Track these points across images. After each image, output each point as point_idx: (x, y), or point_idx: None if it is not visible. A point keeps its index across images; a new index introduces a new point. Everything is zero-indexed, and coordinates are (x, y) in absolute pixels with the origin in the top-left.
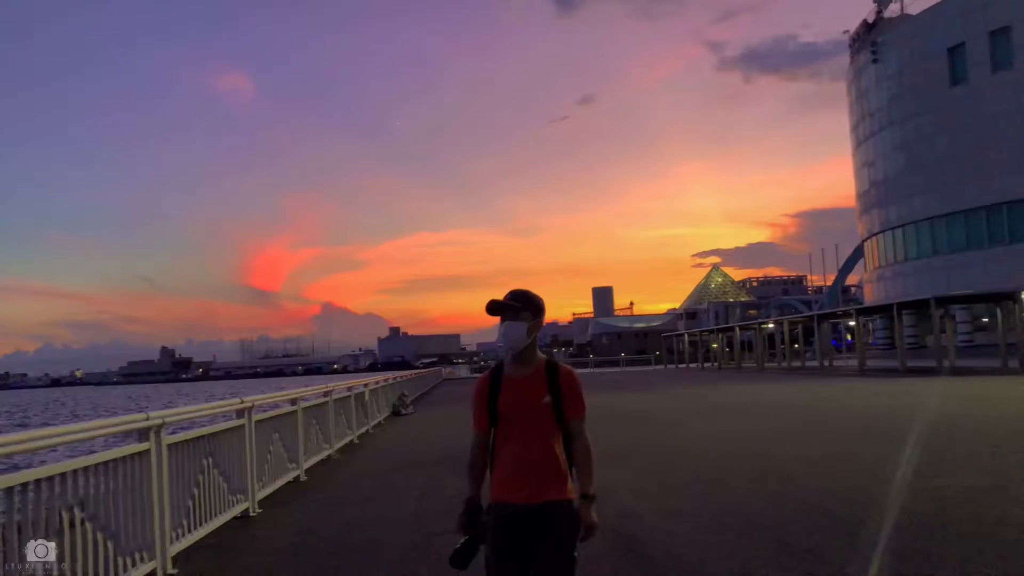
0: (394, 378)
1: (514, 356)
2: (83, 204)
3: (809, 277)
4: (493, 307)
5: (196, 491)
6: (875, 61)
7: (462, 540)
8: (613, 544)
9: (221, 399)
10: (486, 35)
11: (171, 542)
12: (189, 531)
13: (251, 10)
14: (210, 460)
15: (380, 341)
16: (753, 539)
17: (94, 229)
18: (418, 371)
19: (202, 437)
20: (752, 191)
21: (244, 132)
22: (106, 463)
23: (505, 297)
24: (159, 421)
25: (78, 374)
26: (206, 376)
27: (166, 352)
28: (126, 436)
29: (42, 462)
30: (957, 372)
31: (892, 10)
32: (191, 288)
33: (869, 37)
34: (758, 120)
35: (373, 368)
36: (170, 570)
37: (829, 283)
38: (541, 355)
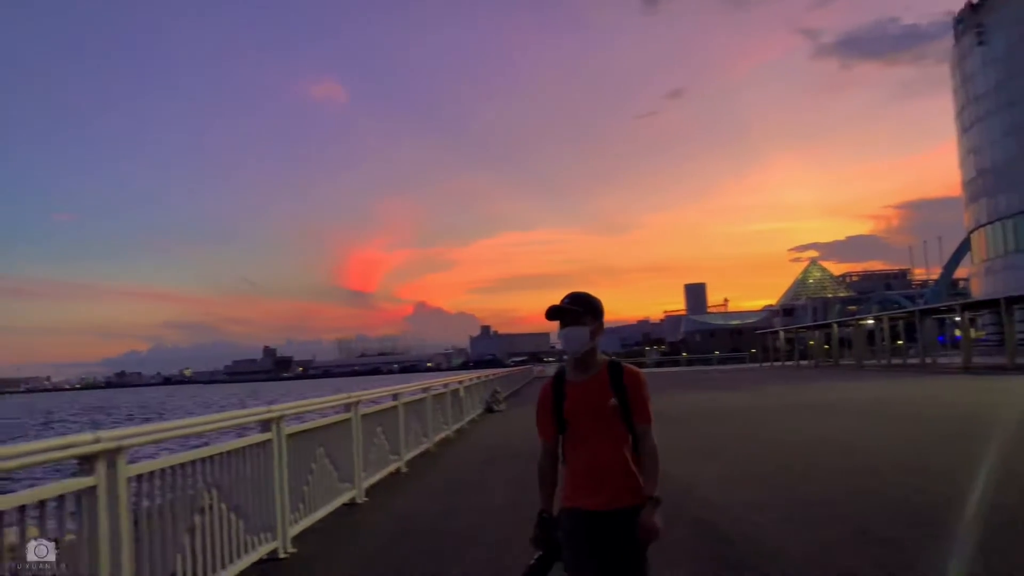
0: (486, 376)
1: (577, 361)
2: (188, 212)
3: (914, 270)
4: (553, 312)
5: (310, 478)
6: (981, 43)
7: (536, 556)
8: (696, 532)
9: (324, 396)
10: (571, 32)
11: (290, 524)
12: (305, 515)
13: (342, 16)
14: (322, 450)
15: (472, 339)
16: (832, 529)
17: (199, 235)
18: (509, 369)
19: (315, 429)
20: (851, 182)
21: (338, 137)
22: (237, 450)
23: (563, 301)
24: (279, 413)
25: (187, 372)
26: (306, 375)
27: (268, 351)
28: (247, 427)
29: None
30: None
31: None
32: (291, 290)
33: (974, 19)
34: (857, 108)
35: (465, 366)
36: (290, 549)
37: (935, 276)
38: (603, 357)
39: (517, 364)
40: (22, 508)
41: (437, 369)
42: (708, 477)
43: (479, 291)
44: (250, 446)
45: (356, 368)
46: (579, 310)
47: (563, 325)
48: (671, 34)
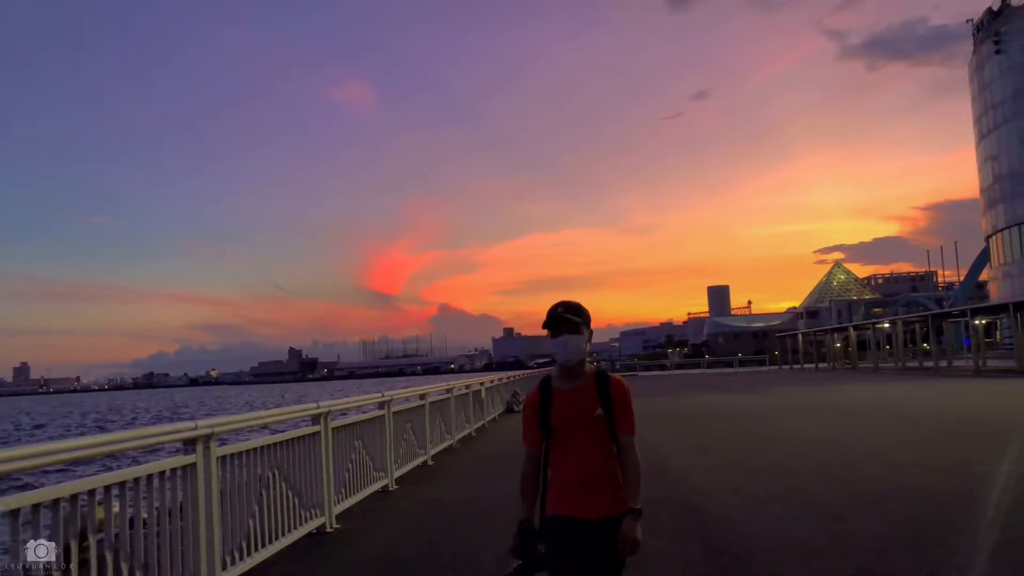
0: (508, 377)
1: (567, 369)
2: (217, 215)
3: (940, 272)
4: (554, 321)
5: (350, 466)
6: (998, 52)
7: (515, 564)
8: (683, 513)
9: (354, 396)
10: (597, 35)
11: (335, 504)
12: (346, 497)
13: (368, 18)
14: (360, 443)
15: (495, 341)
16: (795, 509)
17: (227, 238)
18: (531, 371)
19: (355, 424)
20: (879, 184)
21: (365, 140)
22: (293, 440)
23: (558, 309)
24: (327, 409)
25: (213, 374)
26: (331, 376)
27: (294, 353)
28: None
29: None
30: None
31: None
32: (316, 292)
33: (992, 27)
34: (884, 109)
35: (488, 368)
36: (335, 524)
37: (961, 279)
38: (590, 366)
39: (540, 365)
40: (149, 476)
41: (460, 371)
42: (702, 468)
43: (503, 293)
44: (303, 437)
45: (380, 370)
46: (578, 320)
47: (558, 334)
48: (697, 35)
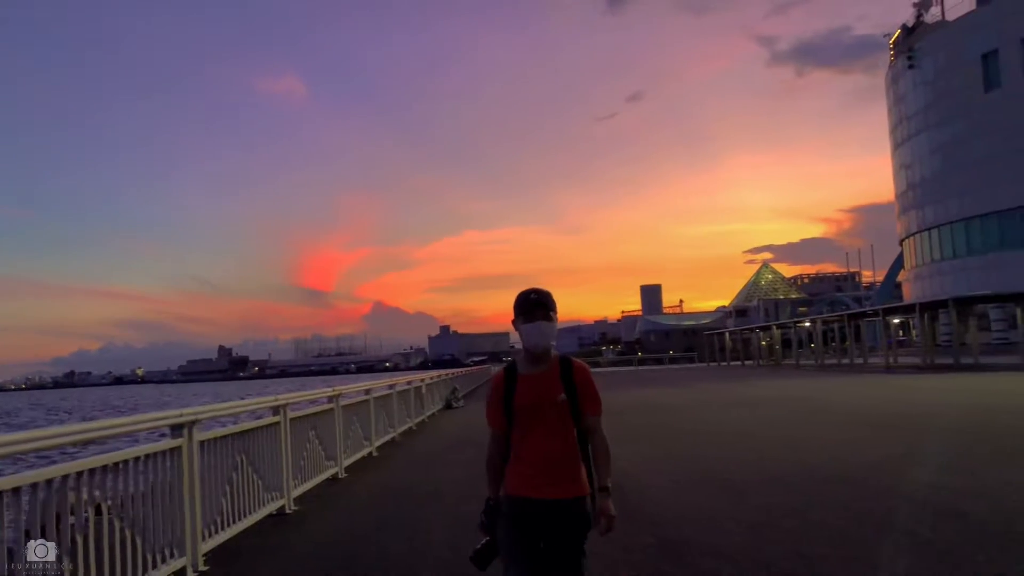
0: (446, 375)
1: (534, 355)
2: (144, 207)
3: (863, 273)
4: (530, 307)
5: (305, 454)
6: (911, 67)
7: (483, 540)
8: None
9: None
10: (534, 34)
11: (293, 488)
12: (303, 482)
13: (301, 12)
14: (314, 433)
15: (430, 339)
16: (705, 487)
17: (155, 232)
18: (469, 368)
19: (309, 416)
20: (807, 186)
21: (298, 134)
22: (255, 429)
23: (531, 296)
24: (284, 402)
25: (139, 372)
26: (262, 375)
27: (223, 351)
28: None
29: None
30: (978, 368)
31: (933, 14)
32: (247, 288)
33: (908, 42)
34: (812, 114)
35: (424, 366)
36: (293, 507)
37: (881, 279)
38: (554, 352)
39: (476, 364)
40: (147, 456)
41: (395, 369)
42: (628, 455)
43: (439, 290)
44: (265, 426)
45: (313, 368)
46: (551, 307)
47: (533, 319)
48: (631, 37)
